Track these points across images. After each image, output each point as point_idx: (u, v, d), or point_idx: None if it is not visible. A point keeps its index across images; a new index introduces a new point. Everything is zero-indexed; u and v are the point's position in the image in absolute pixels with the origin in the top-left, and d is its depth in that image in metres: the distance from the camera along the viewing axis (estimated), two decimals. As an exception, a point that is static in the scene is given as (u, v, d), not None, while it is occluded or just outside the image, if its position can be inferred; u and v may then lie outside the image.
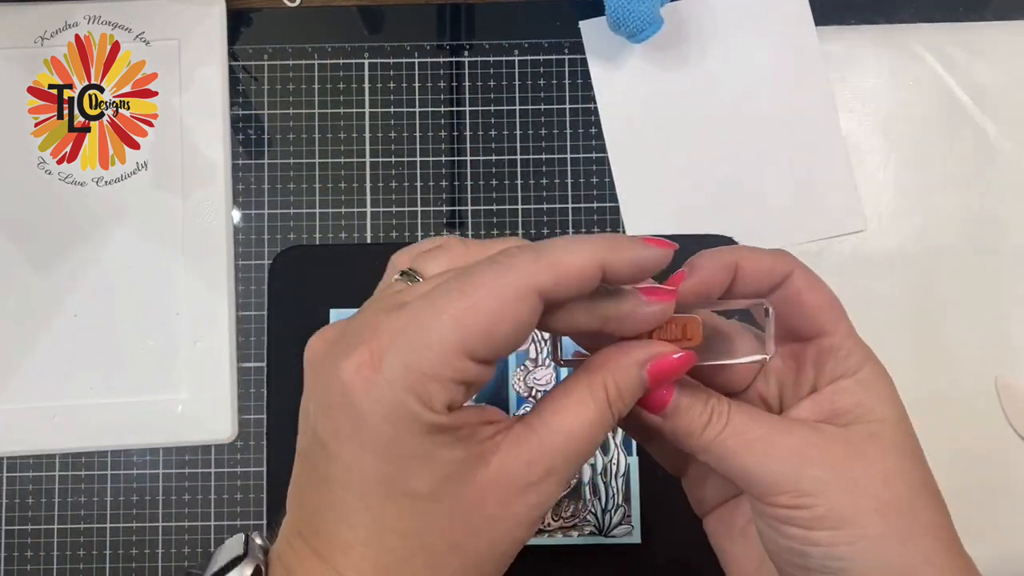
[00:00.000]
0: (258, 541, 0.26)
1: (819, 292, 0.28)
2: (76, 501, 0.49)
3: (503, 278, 0.23)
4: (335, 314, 0.48)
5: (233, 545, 0.26)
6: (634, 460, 0.46)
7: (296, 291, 0.48)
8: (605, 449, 0.46)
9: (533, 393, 0.46)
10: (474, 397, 0.37)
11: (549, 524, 0.46)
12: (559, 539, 0.46)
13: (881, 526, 0.25)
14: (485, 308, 0.22)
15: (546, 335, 0.46)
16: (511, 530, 0.24)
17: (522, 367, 0.47)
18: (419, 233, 0.50)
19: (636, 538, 0.46)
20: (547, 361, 0.47)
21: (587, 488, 0.46)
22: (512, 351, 0.26)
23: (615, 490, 0.46)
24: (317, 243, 0.50)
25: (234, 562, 0.25)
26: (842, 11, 0.52)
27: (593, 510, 0.46)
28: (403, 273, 0.26)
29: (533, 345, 0.47)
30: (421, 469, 0.23)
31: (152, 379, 0.49)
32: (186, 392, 0.49)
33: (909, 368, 0.49)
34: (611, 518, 0.46)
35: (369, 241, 0.50)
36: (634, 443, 0.46)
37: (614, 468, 0.46)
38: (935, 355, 0.49)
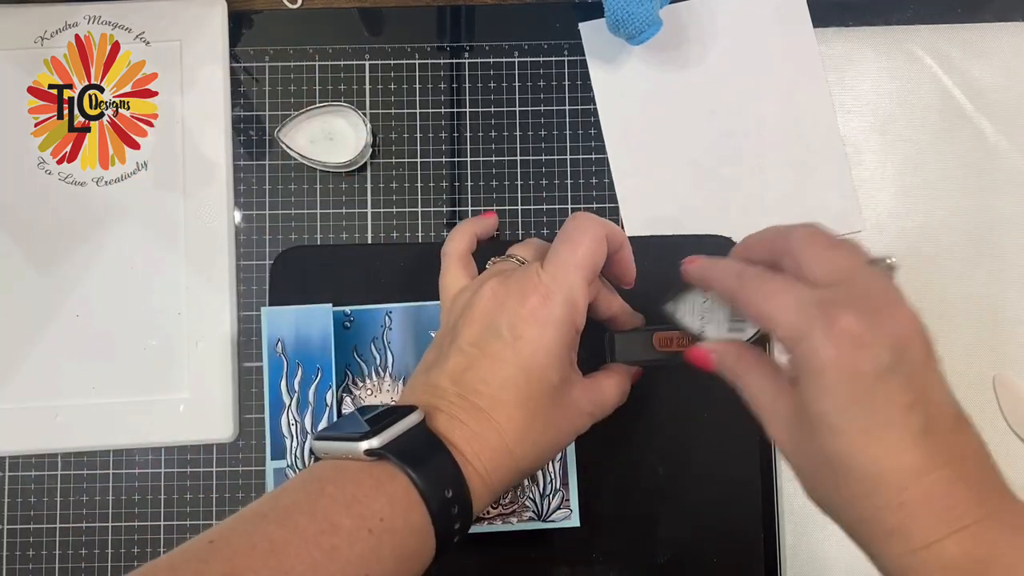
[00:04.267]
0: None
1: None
2: (78, 500, 0.49)
3: (587, 233, 0.38)
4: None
5: (378, 408, 0.36)
6: (571, 445, 0.46)
7: (297, 291, 0.49)
8: None
9: None
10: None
11: (488, 512, 0.47)
12: (499, 526, 0.46)
13: None
14: (589, 251, 0.38)
15: None
16: (572, 431, 0.39)
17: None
18: (419, 233, 0.50)
19: (575, 521, 0.46)
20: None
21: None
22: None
23: (553, 475, 0.46)
24: (318, 243, 0.50)
25: (405, 411, 0.35)
26: (840, 12, 0.52)
27: (532, 496, 0.46)
28: (506, 257, 0.42)
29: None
30: (558, 368, 0.37)
31: (153, 379, 0.49)
32: (187, 392, 0.49)
33: (906, 368, 0.49)
34: (549, 503, 0.46)
35: (370, 241, 0.50)
36: None
37: None
38: (932, 355, 0.50)
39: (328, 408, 0.47)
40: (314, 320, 0.47)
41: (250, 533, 0.31)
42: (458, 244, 0.43)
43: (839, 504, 0.31)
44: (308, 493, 0.33)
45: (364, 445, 0.33)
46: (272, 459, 0.46)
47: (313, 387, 0.47)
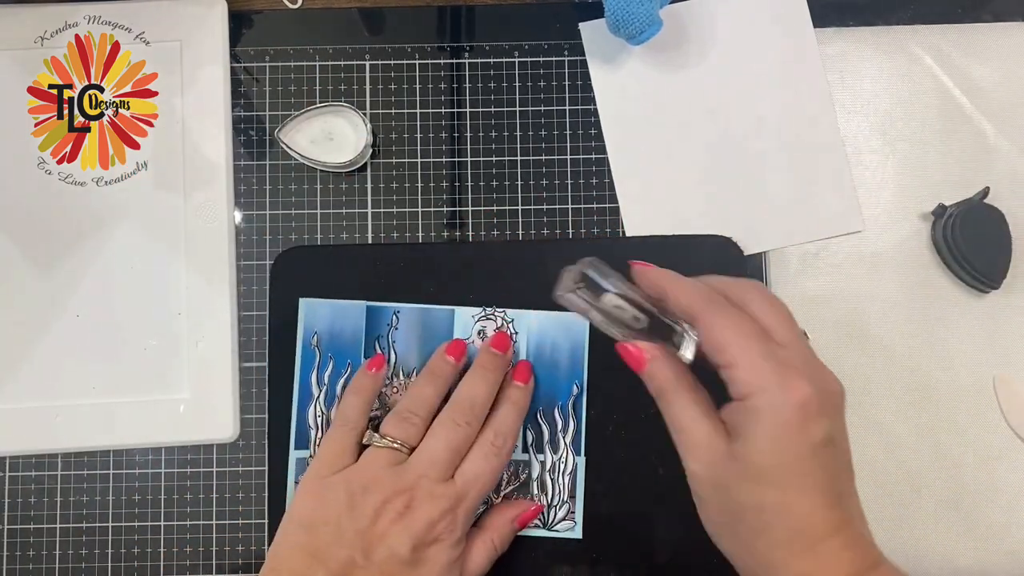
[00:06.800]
0: None
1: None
2: (78, 500, 0.49)
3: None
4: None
5: None
6: (581, 460, 0.48)
7: (297, 291, 0.49)
8: (555, 447, 0.48)
9: None
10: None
11: None
12: None
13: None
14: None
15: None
16: None
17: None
18: (419, 233, 0.50)
19: (577, 533, 0.47)
20: None
21: (535, 483, 0.47)
22: None
23: (561, 487, 0.47)
24: (318, 243, 0.50)
25: None
26: (840, 13, 0.52)
27: (541, 503, 0.48)
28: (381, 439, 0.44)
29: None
30: None
31: (154, 379, 0.49)
32: (188, 392, 0.49)
33: (907, 367, 0.50)
34: (555, 513, 0.47)
35: (370, 241, 0.50)
36: (583, 443, 0.48)
37: (562, 466, 0.48)
38: (933, 355, 0.50)
39: None
40: (348, 316, 0.48)
41: None
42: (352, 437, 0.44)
43: (753, 546, 0.34)
44: None
45: None
46: (296, 448, 0.47)
47: (341, 381, 0.48)
